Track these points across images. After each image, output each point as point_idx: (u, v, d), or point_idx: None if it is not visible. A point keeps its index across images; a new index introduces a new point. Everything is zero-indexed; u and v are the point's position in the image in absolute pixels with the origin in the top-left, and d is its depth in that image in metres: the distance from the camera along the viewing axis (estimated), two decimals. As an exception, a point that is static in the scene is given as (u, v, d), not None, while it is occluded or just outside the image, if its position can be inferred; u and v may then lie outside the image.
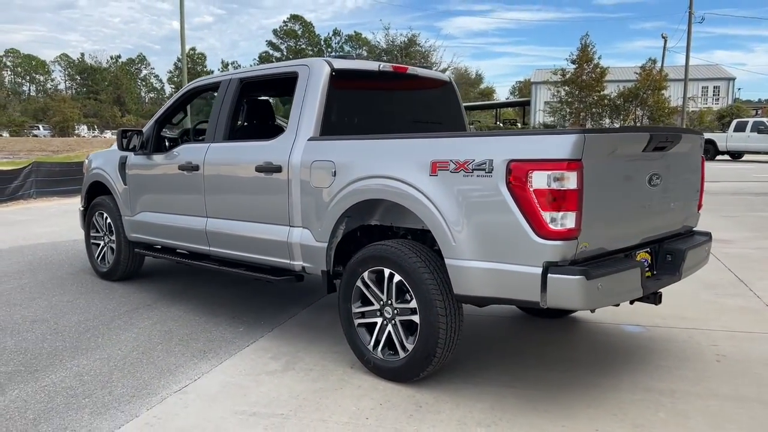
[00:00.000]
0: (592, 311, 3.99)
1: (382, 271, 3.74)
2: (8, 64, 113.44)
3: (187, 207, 5.23)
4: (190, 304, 5.56)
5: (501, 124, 58.04)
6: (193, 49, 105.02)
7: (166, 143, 5.88)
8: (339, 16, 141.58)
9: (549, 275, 3.07)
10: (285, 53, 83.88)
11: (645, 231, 3.69)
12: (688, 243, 3.97)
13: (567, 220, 3.05)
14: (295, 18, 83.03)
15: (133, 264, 6.28)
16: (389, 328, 3.78)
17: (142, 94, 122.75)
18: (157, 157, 5.57)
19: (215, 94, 5.23)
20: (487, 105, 69.03)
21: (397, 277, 3.66)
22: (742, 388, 3.62)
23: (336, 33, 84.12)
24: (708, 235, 4.28)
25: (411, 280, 3.58)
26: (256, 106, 5.66)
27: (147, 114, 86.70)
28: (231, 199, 4.83)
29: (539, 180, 3.06)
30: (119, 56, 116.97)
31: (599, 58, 50.23)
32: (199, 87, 5.55)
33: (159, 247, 5.80)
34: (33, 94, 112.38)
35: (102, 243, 6.47)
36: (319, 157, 4.12)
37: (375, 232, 4.23)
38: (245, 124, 5.57)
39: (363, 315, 3.92)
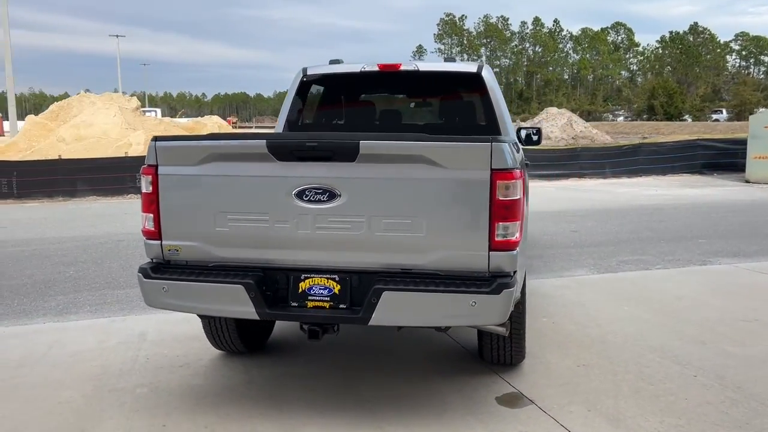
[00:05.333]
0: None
1: None
2: (735, 47, 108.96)
3: None
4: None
5: None
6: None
7: None
8: None
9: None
10: None
11: (310, 252, 3.18)
12: (407, 285, 3.06)
13: (148, 221, 3.33)
14: None
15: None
16: None
17: None
18: None
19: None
20: None
21: None
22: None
23: None
24: (495, 289, 2.96)
25: None
26: None
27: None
28: None
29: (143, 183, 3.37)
30: None
31: None
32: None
33: None
34: (761, 76, 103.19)
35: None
36: None
37: None
38: None
39: None
